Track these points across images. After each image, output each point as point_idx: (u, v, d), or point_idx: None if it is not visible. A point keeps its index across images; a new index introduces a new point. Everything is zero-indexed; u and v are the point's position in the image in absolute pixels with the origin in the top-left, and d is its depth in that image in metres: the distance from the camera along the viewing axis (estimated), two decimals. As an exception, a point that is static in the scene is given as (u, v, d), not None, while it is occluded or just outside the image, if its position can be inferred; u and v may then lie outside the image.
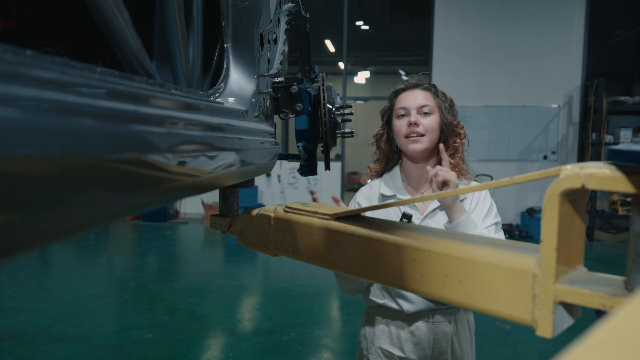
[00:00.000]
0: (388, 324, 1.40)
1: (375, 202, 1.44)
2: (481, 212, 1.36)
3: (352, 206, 1.45)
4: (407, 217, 1.32)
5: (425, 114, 1.37)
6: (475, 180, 1.42)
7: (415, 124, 1.35)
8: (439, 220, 1.37)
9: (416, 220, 1.39)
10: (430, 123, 1.36)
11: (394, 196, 1.42)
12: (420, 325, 1.36)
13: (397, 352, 1.38)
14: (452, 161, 1.37)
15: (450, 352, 1.37)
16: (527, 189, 7.29)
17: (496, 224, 1.37)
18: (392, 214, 1.37)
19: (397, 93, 1.44)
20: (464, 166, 1.41)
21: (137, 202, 0.38)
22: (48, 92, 0.27)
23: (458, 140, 1.40)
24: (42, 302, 3.93)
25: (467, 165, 1.43)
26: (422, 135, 1.35)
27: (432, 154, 1.41)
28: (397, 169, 1.46)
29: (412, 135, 1.35)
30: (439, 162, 1.37)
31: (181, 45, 0.65)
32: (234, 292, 4.40)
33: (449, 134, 1.40)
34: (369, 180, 1.54)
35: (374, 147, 1.53)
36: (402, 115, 1.39)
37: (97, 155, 0.31)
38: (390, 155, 1.49)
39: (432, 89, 1.42)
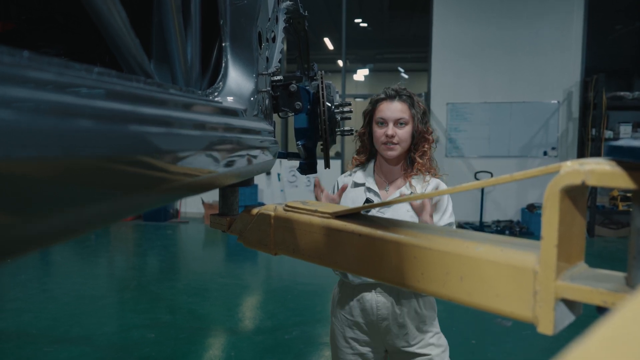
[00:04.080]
0: (344, 292, 1.67)
1: (349, 186, 1.71)
2: (438, 211, 1.59)
3: (334, 187, 1.77)
4: (369, 202, 1.60)
5: (401, 124, 1.59)
6: (441, 178, 1.65)
7: (392, 136, 1.57)
8: (397, 210, 1.57)
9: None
10: (404, 134, 1.59)
11: (363, 184, 1.67)
12: (364, 295, 1.61)
13: (348, 316, 1.64)
14: (421, 161, 1.61)
15: (392, 318, 1.58)
16: (527, 185, 7.29)
17: (449, 224, 1.59)
18: (359, 200, 1.64)
19: (378, 101, 1.64)
20: (434, 164, 1.65)
21: (135, 203, 0.38)
22: (45, 93, 0.27)
23: (427, 145, 1.63)
24: (44, 303, 3.94)
25: (436, 163, 1.67)
26: (397, 144, 1.59)
27: (403, 157, 1.64)
28: (371, 165, 1.71)
29: (388, 143, 1.58)
30: (409, 163, 1.64)
31: (179, 45, 0.65)
32: (235, 291, 4.40)
33: (419, 139, 1.62)
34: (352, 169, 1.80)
35: (358, 142, 1.77)
36: (382, 124, 1.60)
37: (95, 155, 0.31)
38: (370, 148, 1.71)
39: (409, 100, 1.62)
